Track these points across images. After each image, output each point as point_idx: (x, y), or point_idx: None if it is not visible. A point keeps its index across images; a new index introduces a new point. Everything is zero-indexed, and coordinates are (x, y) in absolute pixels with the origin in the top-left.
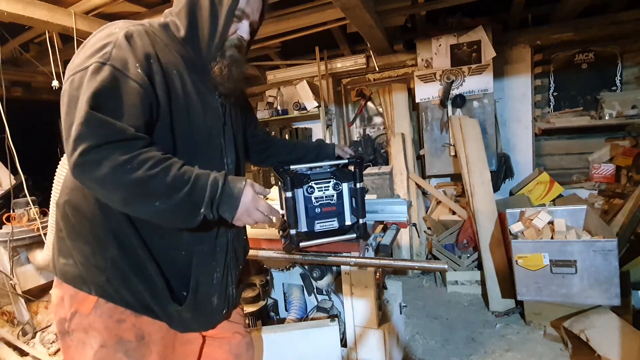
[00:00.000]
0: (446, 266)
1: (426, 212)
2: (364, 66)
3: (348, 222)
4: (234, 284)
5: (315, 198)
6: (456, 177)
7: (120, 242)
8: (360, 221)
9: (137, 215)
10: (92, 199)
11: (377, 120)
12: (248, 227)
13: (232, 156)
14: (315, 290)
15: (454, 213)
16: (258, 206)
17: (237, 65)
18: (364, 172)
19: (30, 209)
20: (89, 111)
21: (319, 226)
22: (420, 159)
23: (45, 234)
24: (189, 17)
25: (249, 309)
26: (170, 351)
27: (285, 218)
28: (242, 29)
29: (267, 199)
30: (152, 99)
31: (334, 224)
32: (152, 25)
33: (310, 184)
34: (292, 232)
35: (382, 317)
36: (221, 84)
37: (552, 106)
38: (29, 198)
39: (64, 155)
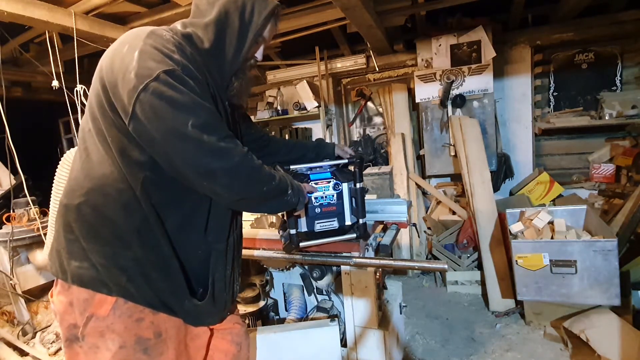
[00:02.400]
0: (446, 266)
1: (426, 212)
2: (364, 66)
3: (348, 222)
4: (237, 280)
5: (315, 198)
6: (456, 177)
7: (144, 241)
8: (360, 221)
9: (241, 204)
10: (114, 199)
11: (377, 120)
12: (247, 227)
13: None
14: (315, 290)
15: (454, 213)
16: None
17: (252, 83)
18: (364, 172)
19: (30, 209)
20: (208, 107)
21: (319, 226)
22: (420, 159)
23: (45, 234)
24: (216, 34)
25: (249, 309)
26: (183, 346)
27: (285, 218)
28: (259, 52)
29: None
30: (212, 101)
31: (334, 224)
32: (177, 34)
33: (310, 183)
34: (292, 232)
35: (382, 317)
36: (236, 97)
37: (552, 106)
38: (29, 198)
39: (64, 155)
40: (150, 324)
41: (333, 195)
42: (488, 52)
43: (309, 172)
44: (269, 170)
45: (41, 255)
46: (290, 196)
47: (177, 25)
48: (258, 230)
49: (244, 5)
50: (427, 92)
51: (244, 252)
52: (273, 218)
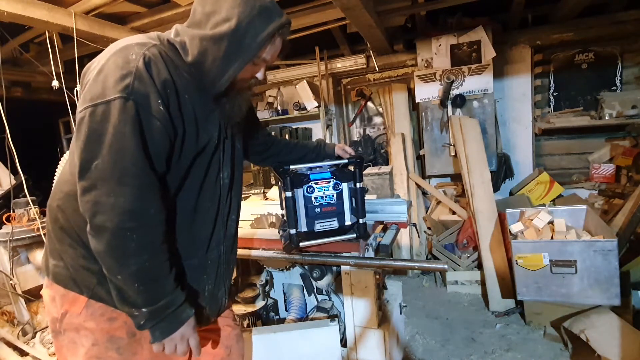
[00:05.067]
0: (446, 266)
1: (426, 212)
2: (364, 66)
3: (348, 222)
4: (226, 294)
5: (315, 198)
6: (456, 177)
7: None
8: (360, 221)
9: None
10: None
11: (377, 120)
12: (247, 227)
13: (228, 170)
14: (315, 290)
15: (454, 213)
16: (190, 339)
17: (246, 101)
18: (364, 172)
19: (30, 209)
20: (121, 153)
21: (319, 226)
22: (420, 159)
23: (44, 234)
24: (200, 50)
25: (249, 309)
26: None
27: (285, 218)
28: (260, 73)
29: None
30: (171, 132)
31: (334, 223)
32: (163, 42)
33: (310, 183)
34: (292, 232)
35: (382, 317)
36: (229, 117)
37: (552, 106)
38: (29, 198)
39: (64, 154)
40: (123, 323)
41: (333, 195)
42: (488, 52)
43: (309, 172)
44: (149, 264)
45: (41, 255)
46: (140, 315)
47: (172, 30)
48: (258, 230)
49: (239, 25)
50: (427, 92)
51: (244, 252)
52: (273, 218)
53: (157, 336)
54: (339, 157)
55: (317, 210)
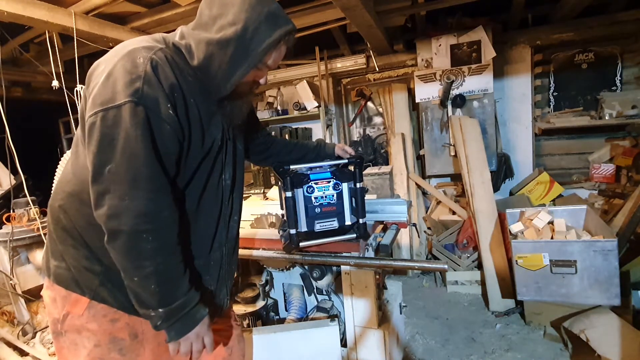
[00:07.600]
0: (446, 266)
1: (426, 212)
2: (364, 66)
3: (348, 222)
4: (228, 295)
5: (315, 198)
6: (456, 177)
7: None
8: (360, 221)
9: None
10: (86, 210)
11: (377, 120)
12: (247, 227)
13: (230, 171)
14: (315, 290)
15: (454, 213)
16: (205, 337)
17: (248, 103)
18: (364, 172)
19: (30, 209)
20: (135, 156)
21: (318, 226)
22: (420, 159)
23: (45, 234)
24: (207, 54)
25: (249, 309)
26: (163, 348)
27: (285, 218)
28: (263, 78)
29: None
30: (180, 135)
31: (334, 223)
32: (168, 45)
33: (310, 183)
34: (292, 232)
35: (382, 317)
36: (231, 119)
37: (552, 106)
38: (29, 198)
39: (64, 154)
40: (125, 325)
41: (333, 195)
42: (488, 52)
43: (309, 172)
44: (165, 266)
45: (41, 255)
46: (157, 315)
47: (177, 32)
48: (258, 230)
49: (245, 30)
50: (427, 92)
51: (244, 252)
52: (273, 218)
53: (172, 336)
54: (339, 157)
55: (317, 210)
